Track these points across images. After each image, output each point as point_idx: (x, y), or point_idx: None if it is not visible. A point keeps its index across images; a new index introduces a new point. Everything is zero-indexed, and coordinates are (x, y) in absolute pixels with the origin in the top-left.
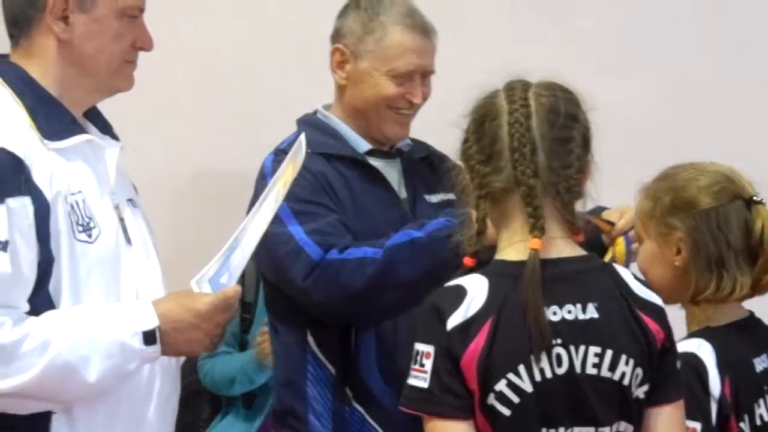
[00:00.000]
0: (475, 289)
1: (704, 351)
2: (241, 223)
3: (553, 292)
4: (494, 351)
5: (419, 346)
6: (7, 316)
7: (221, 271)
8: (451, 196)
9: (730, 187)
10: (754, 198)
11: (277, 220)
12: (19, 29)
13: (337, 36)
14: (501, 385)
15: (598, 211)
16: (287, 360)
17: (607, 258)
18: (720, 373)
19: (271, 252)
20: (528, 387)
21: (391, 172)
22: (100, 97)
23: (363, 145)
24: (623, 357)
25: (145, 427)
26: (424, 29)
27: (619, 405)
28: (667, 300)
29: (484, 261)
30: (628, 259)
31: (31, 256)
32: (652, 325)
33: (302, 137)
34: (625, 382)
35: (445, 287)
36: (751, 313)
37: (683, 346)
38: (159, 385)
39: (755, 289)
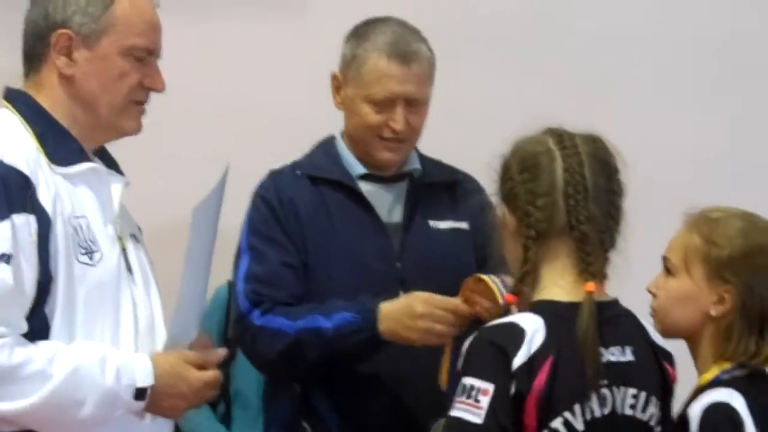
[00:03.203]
0: (532, 327)
1: (737, 402)
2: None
3: (600, 334)
4: (555, 389)
5: (475, 382)
6: (9, 336)
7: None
8: (463, 225)
9: None
10: None
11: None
12: (30, 63)
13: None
14: (557, 423)
15: None
16: None
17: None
18: (755, 424)
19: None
20: (580, 425)
21: (384, 196)
22: (106, 137)
23: (359, 169)
24: (653, 399)
25: None
26: (404, 57)
27: None
28: (673, 337)
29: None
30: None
31: (31, 273)
32: (670, 369)
33: (225, 174)
34: (652, 422)
35: (500, 325)
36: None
37: (713, 396)
38: None
39: None
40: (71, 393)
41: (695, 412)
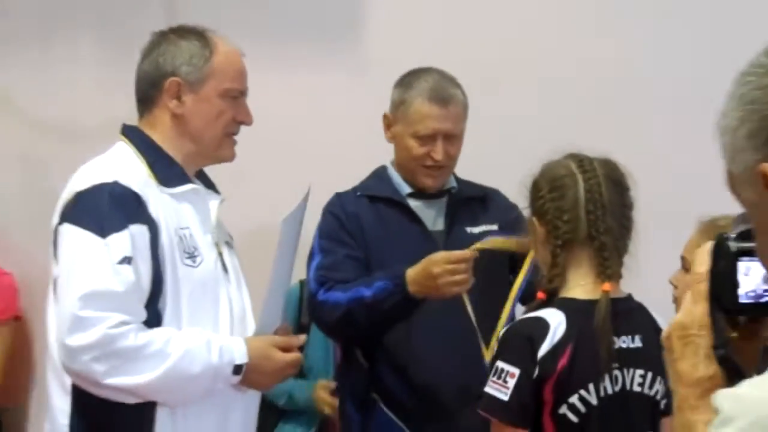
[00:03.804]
0: (555, 321)
1: None
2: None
3: (614, 325)
4: (573, 372)
5: (505, 365)
6: (134, 323)
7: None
8: (494, 227)
9: None
10: None
11: (310, 250)
12: (144, 105)
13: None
14: (574, 399)
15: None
16: None
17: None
18: None
19: None
20: (594, 400)
21: (429, 209)
22: (205, 163)
23: (405, 189)
24: (659, 378)
25: (234, 414)
26: (443, 100)
27: (651, 416)
28: None
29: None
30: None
31: (147, 272)
32: None
33: (308, 193)
34: (658, 397)
35: (529, 319)
36: None
37: None
38: None
39: None
40: (185, 368)
41: None
